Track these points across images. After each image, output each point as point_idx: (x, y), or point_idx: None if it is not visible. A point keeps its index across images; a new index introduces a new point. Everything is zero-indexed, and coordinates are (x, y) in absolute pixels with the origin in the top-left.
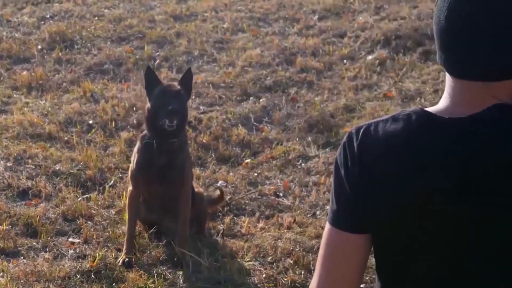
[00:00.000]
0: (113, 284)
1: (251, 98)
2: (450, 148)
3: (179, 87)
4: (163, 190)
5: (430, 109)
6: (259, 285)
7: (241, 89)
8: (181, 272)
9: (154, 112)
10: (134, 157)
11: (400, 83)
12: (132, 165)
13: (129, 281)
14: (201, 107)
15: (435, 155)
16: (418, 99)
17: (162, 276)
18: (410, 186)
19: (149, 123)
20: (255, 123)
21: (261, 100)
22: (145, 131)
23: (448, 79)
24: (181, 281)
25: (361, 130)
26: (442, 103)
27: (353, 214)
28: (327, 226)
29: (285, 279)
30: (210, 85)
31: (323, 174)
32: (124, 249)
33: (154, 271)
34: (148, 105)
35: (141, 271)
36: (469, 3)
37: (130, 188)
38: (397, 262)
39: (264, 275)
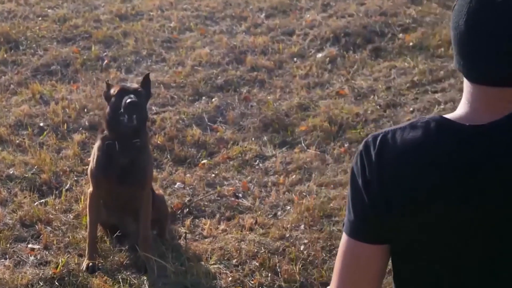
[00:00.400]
0: None
1: (204, 97)
2: (472, 156)
3: (137, 85)
4: (124, 191)
5: (449, 116)
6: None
7: (192, 89)
8: (146, 277)
9: (113, 114)
10: (94, 156)
11: (352, 81)
12: (92, 164)
13: None
14: (153, 108)
15: (456, 163)
16: (372, 96)
17: (127, 281)
18: (431, 195)
19: (110, 126)
20: (209, 123)
21: (213, 99)
22: (106, 132)
23: (466, 84)
24: (147, 286)
25: (378, 138)
26: (461, 109)
27: (371, 225)
28: (344, 237)
29: (252, 282)
30: (161, 85)
31: (282, 174)
32: (86, 254)
33: (119, 277)
34: (107, 108)
35: (105, 277)
36: (488, 8)
37: (90, 189)
38: (417, 269)
39: (230, 278)
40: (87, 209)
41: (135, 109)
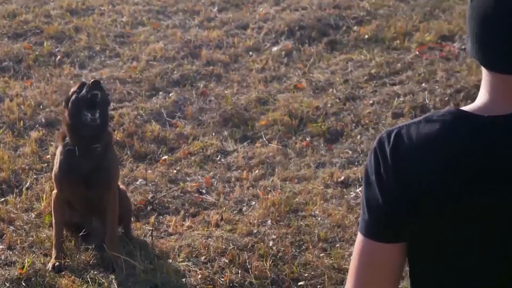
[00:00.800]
0: None
1: (161, 93)
2: (492, 147)
3: (96, 84)
4: (89, 193)
5: (466, 108)
6: (197, 286)
7: (149, 84)
8: (114, 276)
9: (73, 115)
10: (57, 160)
11: (309, 74)
12: (55, 168)
13: None
14: (110, 104)
15: (475, 155)
16: (330, 89)
17: (96, 281)
18: (449, 188)
19: (70, 130)
20: (168, 119)
21: (170, 94)
22: (67, 139)
23: (485, 74)
24: (116, 285)
25: (393, 134)
26: (479, 100)
27: (387, 223)
28: (359, 237)
29: (223, 279)
30: (117, 80)
31: (244, 169)
32: (53, 253)
33: (87, 276)
34: (67, 109)
35: (73, 277)
36: None
37: (54, 191)
38: (436, 266)
39: (200, 276)
40: (52, 210)
41: (98, 104)
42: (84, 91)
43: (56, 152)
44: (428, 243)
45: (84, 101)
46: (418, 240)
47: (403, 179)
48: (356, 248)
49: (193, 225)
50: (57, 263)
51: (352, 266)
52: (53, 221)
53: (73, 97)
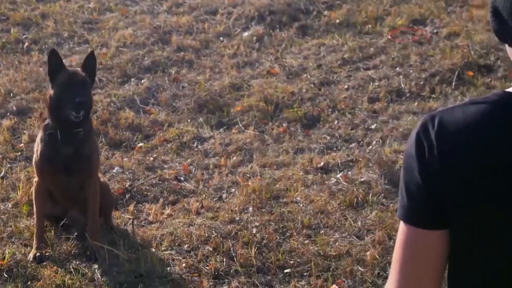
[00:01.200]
0: (28, 283)
1: (133, 79)
2: None
3: (84, 74)
4: (70, 181)
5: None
6: (183, 275)
7: (120, 71)
8: (97, 266)
9: (58, 102)
10: (37, 147)
11: (282, 59)
12: (36, 156)
13: (45, 279)
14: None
15: None
16: (304, 75)
17: (79, 271)
18: (498, 172)
19: (53, 113)
20: (141, 105)
21: (143, 81)
22: (48, 120)
23: None
24: (99, 276)
25: (436, 118)
26: None
27: (430, 209)
28: (401, 225)
29: (208, 268)
30: None
31: (222, 156)
32: (34, 244)
33: (70, 266)
34: (51, 92)
35: (55, 267)
36: None
37: (36, 179)
38: (475, 266)
39: (184, 264)
40: (34, 199)
41: (84, 108)
42: (71, 91)
43: (37, 139)
44: (469, 236)
45: (70, 104)
46: (463, 225)
47: (448, 162)
48: (398, 238)
49: (173, 213)
50: (38, 254)
51: (396, 257)
52: (34, 209)
53: (58, 90)
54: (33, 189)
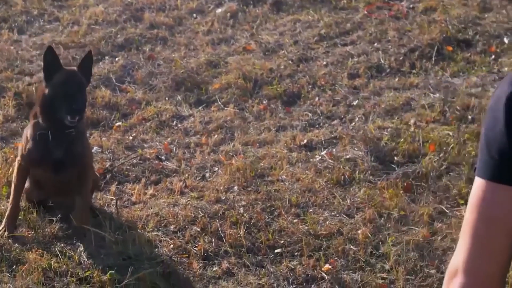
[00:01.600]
0: (13, 267)
1: (107, 57)
2: None
3: (80, 75)
4: (59, 178)
5: None
6: (173, 257)
7: (93, 49)
8: (82, 248)
9: (52, 103)
10: (26, 143)
11: (257, 36)
12: (23, 150)
13: (30, 262)
14: None
15: None
16: (281, 51)
17: (65, 254)
18: None
19: (45, 113)
20: (117, 84)
21: (117, 59)
22: (39, 119)
23: None
24: (85, 258)
25: None
26: None
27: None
28: (478, 182)
29: (196, 249)
30: (60, 45)
31: (203, 134)
32: (3, 221)
33: (55, 249)
34: (45, 91)
35: (40, 250)
36: None
37: (18, 159)
38: None
39: (171, 246)
40: (14, 178)
41: (80, 113)
42: (67, 94)
43: (26, 131)
44: None
45: (66, 108)
46: None
47: None
48: (474, 199)
49: (156, 193)
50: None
51: (468, 221)
52: (12, 188)
53: (53, 90)
54: (14, 168)
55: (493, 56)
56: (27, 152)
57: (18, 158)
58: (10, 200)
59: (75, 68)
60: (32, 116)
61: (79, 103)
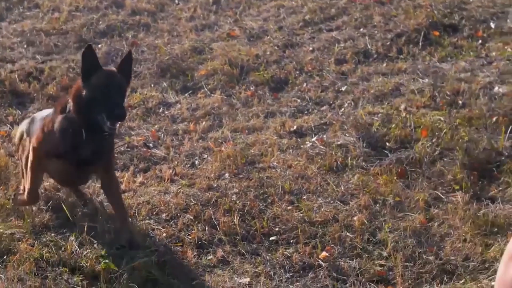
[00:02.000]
0: (4, 257)
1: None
2: None
3: (120, 76)
4: (80, 172)
5: None
6: (169, 245)
7: (75, 36)
8: (73, 238)
9: (90, 105)
10: (49, 132)
11: (241, 22)
12: (44, 141)
13: (21, 252)
14: (37, 57)
15: None
16: (266, 37)
17: (56, 244)
18: None
19: (81, 114)
20: None
21: (100, 46)
22: (70, 113)
23: None
24: (77, 248)
25: None
26: None
27: None
28: None
29: (190, 237)
30: (41, 32)
31: (191, 121)
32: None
33: (46, 239)
34: (82, 90)
35: (30, 240)
36: None
37: (35, 145)
38: None
39: (164, 234)
40: (31, 166)
41: (122, 118)
42: (108, 98)
43: (46, 121)
44: None
45: (106, 112)
46: None
47: None
48: None
49: (145, 181)
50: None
51: None
52: (29, 175)
53: (92, 92)
54: (27, 158)
55: (480, 41)
56: (51, 145)
57: (35, 145)
58: (27, 188)
59: (114, 68)
60: (59, 110)
61: (121, 108)
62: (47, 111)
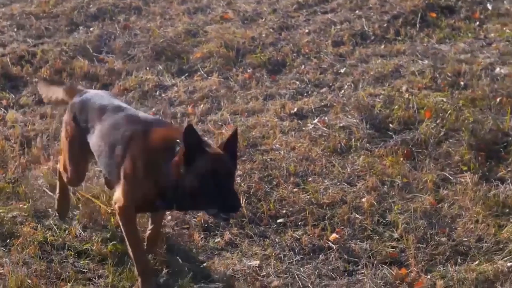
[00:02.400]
0: (7, 241)
1: (81, 27)
2: None
3: (228, 160)
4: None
5: None
6: (175, 228)
7: (66, 19)
8: (76, 221)
9: (197, 195)
10: (139, 187)
11: (235, 4)
12: (132, 194)
13: (25, 235)
14: (28, 40)
15: None
16: (260, 20)
17: (60, 227)
18: None
19: (180, 198)
20: (94, 54)
21: (92, 29)
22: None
23: None
24: (81, 231)
25: None
26: None
27: None
28: None
29: (196, 220)
30: (31, 16)
31: (189, 104)
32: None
33: (48, 223)
34: (186, 177)
35: (33, 223)
36: None
37: (125, 204)
38: None
39: (169, 217)
40: (125, 227)
41: (237, 210)
42: (218, 188)
43: (138, 176)
44: None
45: (217, 204)
46: None
47: None
48: None
49: None
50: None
51: None
52: (131, 240)
53: (199, 183)
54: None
55: (477, 22)
56: (143, 201)
57: (121, 203)
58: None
59: (220, 151)
60: (150, 173)
61: (235, 198)
62: (110, 100)
